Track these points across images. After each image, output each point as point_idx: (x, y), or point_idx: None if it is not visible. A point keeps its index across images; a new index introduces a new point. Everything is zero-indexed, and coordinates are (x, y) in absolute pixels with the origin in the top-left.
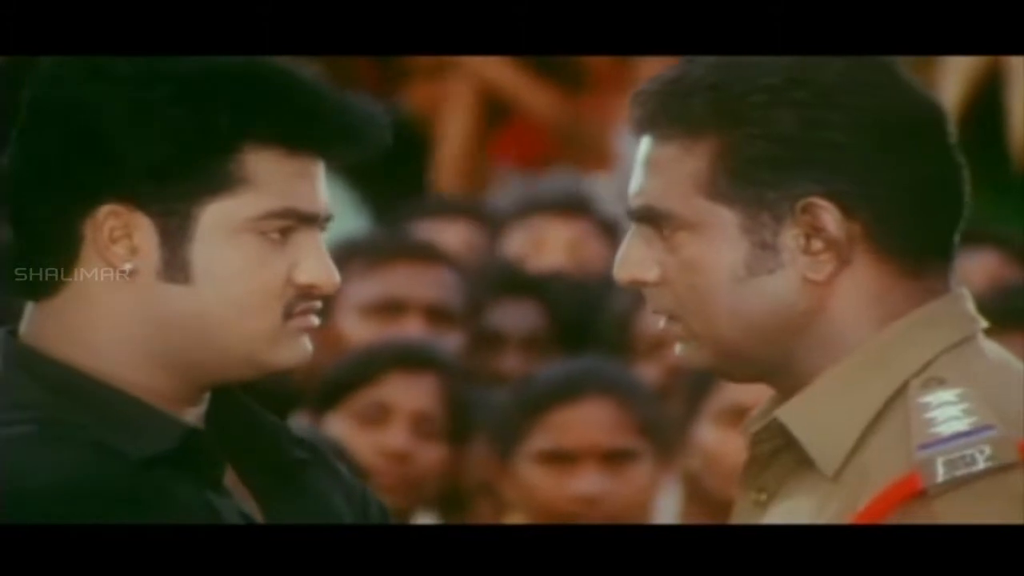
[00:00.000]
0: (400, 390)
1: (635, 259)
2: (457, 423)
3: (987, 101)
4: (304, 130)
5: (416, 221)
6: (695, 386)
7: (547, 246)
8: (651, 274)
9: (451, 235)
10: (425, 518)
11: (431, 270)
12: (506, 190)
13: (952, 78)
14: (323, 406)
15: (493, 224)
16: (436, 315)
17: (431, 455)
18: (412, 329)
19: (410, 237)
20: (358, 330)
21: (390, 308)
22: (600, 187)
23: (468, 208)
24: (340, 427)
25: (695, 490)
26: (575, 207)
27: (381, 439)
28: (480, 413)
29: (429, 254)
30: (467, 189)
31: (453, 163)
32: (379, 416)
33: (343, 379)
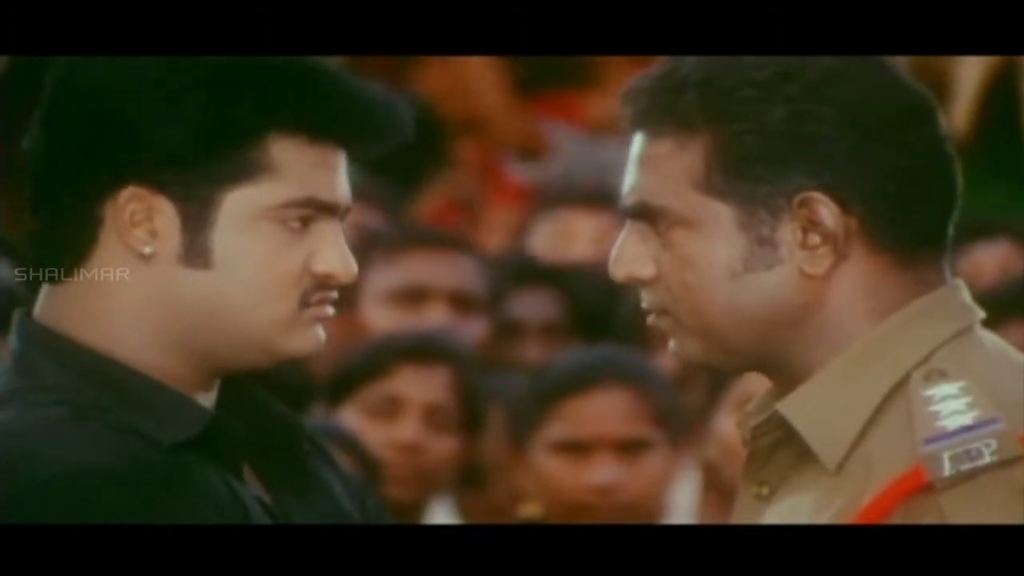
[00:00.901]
0: (411, 383)
1: (631, 256)
2: (469, 414)
3: (1003, 90)
4: (327, 118)
5: None
6: (714, 376)
7: (574, 237)
8: (647, 271)
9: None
10: (440, 506)
11: (453, 257)
12: (563, 151)
13: (969, 67)
14: (335, 399)
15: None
16: (460, 301)
17: (443, 447)
18: (436, 316)
19: (430, 225)
20: (381, 318)
21: (413, 295)
22: None
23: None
24: (352, 420)
25: (713, 480)
26: (602, 199)
27: (392, 432)
28: (495, 402)
29: (450, 241)
30: (524, 153)
31: (502, 130)
32: (390, 409)
33: (354, 372)
